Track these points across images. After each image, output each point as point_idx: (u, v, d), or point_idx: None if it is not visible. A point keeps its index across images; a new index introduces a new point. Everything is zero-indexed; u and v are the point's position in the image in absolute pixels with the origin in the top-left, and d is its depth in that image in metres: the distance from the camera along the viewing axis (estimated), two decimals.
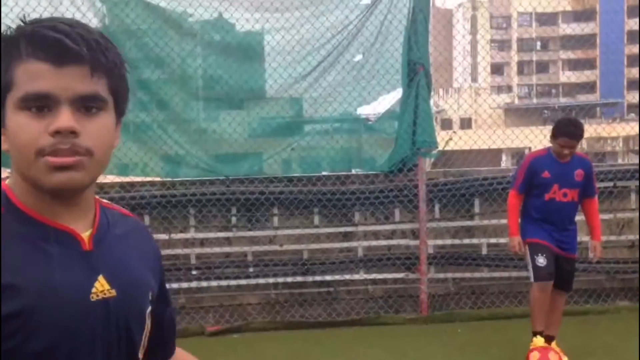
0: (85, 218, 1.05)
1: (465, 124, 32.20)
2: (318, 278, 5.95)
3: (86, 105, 0.98)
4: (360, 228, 6.12)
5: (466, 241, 6.11)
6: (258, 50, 6.13)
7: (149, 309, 1.12)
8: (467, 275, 6.09)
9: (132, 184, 5.91)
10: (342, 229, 6.08)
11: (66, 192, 1.00)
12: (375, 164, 6.23)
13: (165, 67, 5.98)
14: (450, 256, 6.04)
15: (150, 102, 5.93)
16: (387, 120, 6.35)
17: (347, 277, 6.00)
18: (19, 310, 0.94)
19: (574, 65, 51.86)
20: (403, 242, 6.07)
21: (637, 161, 7.00)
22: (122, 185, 5.88)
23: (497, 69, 53.99)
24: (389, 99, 6.42)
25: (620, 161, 20.45)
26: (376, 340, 5.27)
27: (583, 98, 42.78)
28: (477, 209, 6.15)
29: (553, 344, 4.55)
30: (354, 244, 6.08)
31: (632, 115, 39.57)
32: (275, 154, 6.20)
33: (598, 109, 38.47)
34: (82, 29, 0.97)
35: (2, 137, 1.00)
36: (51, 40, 0.95)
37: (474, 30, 46.23)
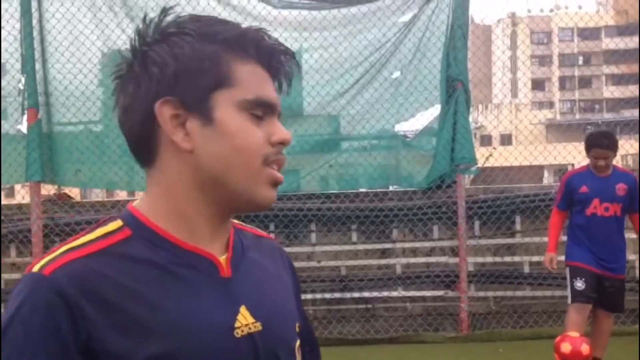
0: (221, 241, 0.92)
1: (506, 140, 31.76)
2: (356, 295, 5.93)
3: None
4: (399, 245, 6.08)
5: (507, 259, 6.01)
6: (296, 70, 6.20)
7: (298, 342, 0.97)
8: (509, 293, 5.98)
9: None
10: (380, 246, 6.06)
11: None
12: (414, 180, 6.21)
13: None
14: (490, 274, 5.95)
15: None
16: (425, 136, 6.33)
17: (386, 294, 5.96)
18: (161, 354, 0.81)
19: (618, 80, 50.72)
20: (442, 259, 6.01)
21: None
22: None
23: (538, 84, 53.21)
24: (427, 116, 6.41)
25: None
26: (415, 359, 5.21)
27: (628, 113, 41.70)
28: (518, 227, 6.05)
29: None
30: (392, 260, 6.04)
31: None
32: (313, 170, 6.23)
33: None
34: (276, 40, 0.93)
35: (180, 133, 0.86)
36: (270, 49, 0.90)
37: (513, 46, 45.75)
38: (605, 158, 4.32)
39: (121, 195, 7.60)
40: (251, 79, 0.88)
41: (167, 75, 0.86)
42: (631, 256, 4.83)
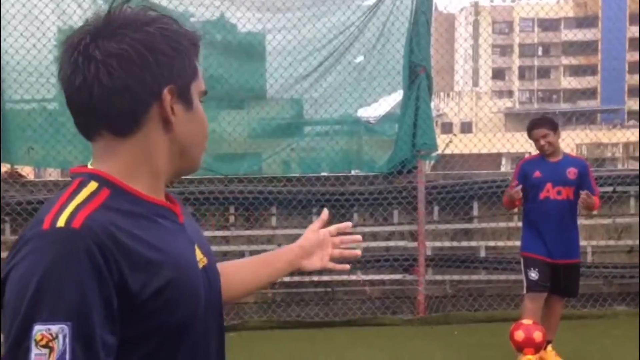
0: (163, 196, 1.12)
1: (466, 127, 32.21)
2: (315, 278, 5.95)
3: None
4: (359, 229, 6.11)
5: (464, 244, 6.12)
6: (259, 50, 6.13)
7: None
8: (465, 277, 6.10)
9: None
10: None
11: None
12: (375, 165, 6.24)
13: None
14: (448, 258, 6.05)
15: None
16: (388, 122, 6.36)
17: (345, 277, 6.00)
18: (164, 285, 0.96)
19: (576, 71, 51.90)
20: (401, 243, 6.08)
21: (637, 167, 7.01)
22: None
23: (498, 73, 54.01)
24: (390, 101, 6.44)
25: (620, 167, 20.41)
26: (372, 341, 5.27)
27: (584, 104, 42.80)
28: (475, 212, 6.16)
29: (549, 347, 4.56)
30: (352, 244, 6.07)
31: (633, 122, 39.58)
32: (275, 154, 6.20)
33: (599, 115, 38.48)
34: None
35: (179, 117, 1.05)
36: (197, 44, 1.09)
37: (476, 35, 46.27)
38: (544, 136, 4.47)
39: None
40: (199, 73, 1.09)
41: (171, 65, 1.02)
42: (582, 242, 4.96)
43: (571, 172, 4.52)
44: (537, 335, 4.26)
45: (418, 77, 5.81)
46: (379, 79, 6.06)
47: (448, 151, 8.37)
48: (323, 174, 6.25)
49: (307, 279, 5.96)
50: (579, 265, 4.68)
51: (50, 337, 0.85)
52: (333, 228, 1.51)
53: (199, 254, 1.09)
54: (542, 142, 4.48)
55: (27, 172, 6.94)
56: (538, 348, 4.33)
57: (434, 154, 6.14)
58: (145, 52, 0.99)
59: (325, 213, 1.55)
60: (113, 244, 0.92)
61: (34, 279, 0.87)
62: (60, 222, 0.91)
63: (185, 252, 1.05)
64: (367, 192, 5.95)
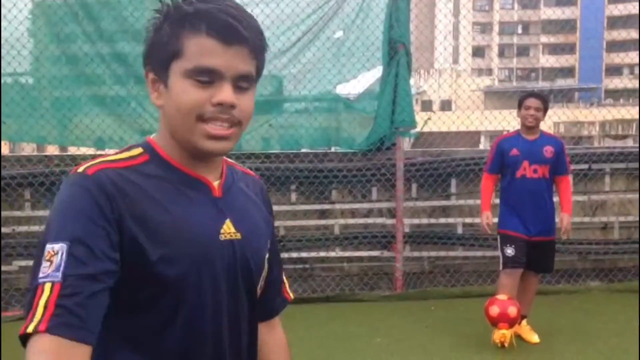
0: (215, 171, 1.22)
1: (446, 105, 32.30)
2: (294, 255, 5.96)
3: (242, 83, 1.13)
4: (337, 206, 6.12)
5: (442, 220, 6.16)
6: None
7: (267, 254, 1.30)
8: (442, 254, 6.15)
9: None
10: (318, 207, 6.08)
11: (214, 157, 1.19)
12: (354, 142, 6.22)
13: (143, 40, 5.86)
14: (425, 235, 6.09)
15: (128, 76, 5.82)
16: (367, 99, 6.33)
17: (323, 254, 6.01)
18: (164, 241, 1.11)
19: (554, 49, 52.18)
20: (379, 220, 6.10)
21: (612, 145, 7.09)
22: (94, 157, 5.80)
23: (478, 51, 54.10)
24: (369, 77, 6.40)
25: (595, 145, 20.68)
26: (350, 317, 5.31)
27: (562, 82, 43.12)
28: (453, 189, 6.20)
29: (524, 322, 4.63)
30: (330, 221, 6.08)
31: (609, 100, 39.99)
32: (253, 130, 6.14)
33: (576, 93, 38.84)
34: (246, 14, 1.12)
35: (155, 93, 1.16)
36: (224, 22, 1.09)
37: (456, 12, 46.14)
38: (537, 109, 4.49)
39: (50, 150, 7.30)
40: (195, 51, 1.10)
41: (151, 45, 1.15)
42: (557, 218, 5.01)
43: (548, 151, 4.55)
44: (512, 311, 4.32)
45: (397, 54, 5.78)
46: (357, 55, 6.01)
47: (427, 129, 8.38)
48: (302, 150, 6.22)
49: (285, 255, 5.96)
50: (555, 242, 4.73)
51: (53, 253, 1.04)
52: None
53: (229, 227, 1.19)
54: (533, 112, 4.50)
55: (2, 147, 6.81)
56: (512, 323, 4.40)
57: (412, 132, 6.14)
58: (148, 32, 1.16)
59: None
60: (117, 192, 1.09)
61: (51, 211, 1.09)
62: (82, 169, 1.11)
63: (205, 221, 1.16)
64: (345, 169, 5.94)
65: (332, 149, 6.44)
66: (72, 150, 6.29)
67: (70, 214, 1.07)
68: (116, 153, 1.18)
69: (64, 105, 5.70)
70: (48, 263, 1.03)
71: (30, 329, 0.99)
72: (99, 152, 5.92)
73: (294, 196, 6.02)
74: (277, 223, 5.95)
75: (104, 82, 5.84)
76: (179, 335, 1.13)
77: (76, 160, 5.49)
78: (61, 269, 1.02)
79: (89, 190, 1.08)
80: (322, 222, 6.08)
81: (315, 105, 6.27)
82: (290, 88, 6.20)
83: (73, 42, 5.78)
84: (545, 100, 4.61)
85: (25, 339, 1.00)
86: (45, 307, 1.00)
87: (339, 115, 6.33)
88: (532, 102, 4.52)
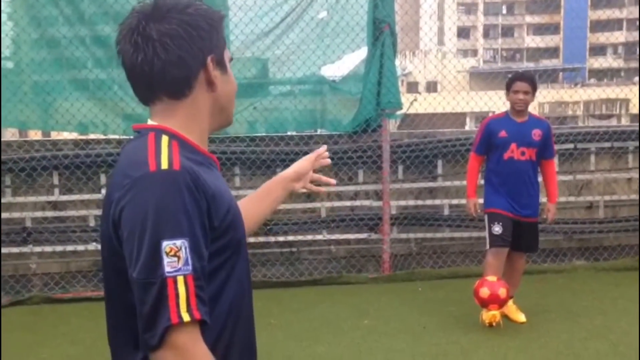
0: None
1: (432, 87, 32.25)
2: (281, 238, 5.93)
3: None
4: (324, 188, 6.08)
5: (428, 202, 6.16)
6: (219, 5, 5.93)
7: None
8: (429, 235, 6.15)
9: (87, 142, 5.75)
10: (304, 189, 6.03)
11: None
12: (340, 124, 6.17)
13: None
14: (412, 217, 6.08)
15: (109, 60, 5.71)
16: (352, 80, 6.27)
17: (310, 237, 5.99)
18: (227, 210, 1.27)
19: (539, 29, 52.21)
20: (366, 202, 6.08)
21: (597, 124, 7.11)
22: (76, 143, 5.71)
23: (463, 32, 53.99)
24: (354, 59, 6.33)
25: (580, 124, 20.75)
26: (338, 299, 5.31)
27: (547, 62, 43.23)
28: (439, 171, 6.18)
29: (510, 302, 4.65)
30: (317, 204, 6.05)
31: (593, 80, 40.19)
32: (237, 113, 6.07)
33: (560, 73, 38.96)
34: None
35: (218, 79, 1.33)
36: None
37: None
38: (525, 92, 4.46)
39: (31, 135, 7.18)
40: (226, 43, 1.37)
41: (210, 38, 1.30)
42: (543, 199, 5.03)
43: (536, 134, 4.53)
44: (502, 292, 4.34)
45: (382, 34, 5.71)
46: (342, 36, 5.94)
47: (413, 110, 8.35)
48: (288, 133, 6.16)
49: (272, 239, 5.93)
50: (538, 222, 4.75)
51: (177, 249, 1.14)
52: (313, 155, 1.84)
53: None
54: (521, 96, 4.47)
55: None
56: (502, 304, 4.42)
57: (398, 113, 6.09)
58: (190, 29, 1.27)
59: (323, 147, 1.88)
60: (199, 181, 1.21)
61: (151, 209, 1.15)
62: (164, 165, 1.19)
63: (228, 190, 1.35)
64: (331, 152, 5.89)
65: (318, 132, 6.39)
66: (54, 135, 6.18)
67: (179, 211, 1.16)
68: (154, 143, 1.24)
69: (44, 89, 5.59)
70: (175, 258, 1.14)
71: (186, 318, 1.13)
72: (81, 137, 5.81)
73: None
74: None
75: (84, 66, 5.73)
76: (234, 286, 1.30)
77: (57, 145, 5.39)
78: (190, 262, 1.15)
79: (185, 184, 1.18)
80: (309, 205, 6.05)
81: (300, 87, 6.20)
82: (274, 70, 6.12)
83: (52, 25, 5.65)
84: (533, 81, 4.57)
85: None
86: (188, 297, 1.14)
87: (324, 97, 6.27)
88: (521, 85, 4.48)
